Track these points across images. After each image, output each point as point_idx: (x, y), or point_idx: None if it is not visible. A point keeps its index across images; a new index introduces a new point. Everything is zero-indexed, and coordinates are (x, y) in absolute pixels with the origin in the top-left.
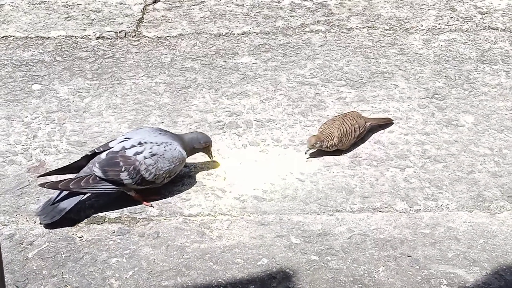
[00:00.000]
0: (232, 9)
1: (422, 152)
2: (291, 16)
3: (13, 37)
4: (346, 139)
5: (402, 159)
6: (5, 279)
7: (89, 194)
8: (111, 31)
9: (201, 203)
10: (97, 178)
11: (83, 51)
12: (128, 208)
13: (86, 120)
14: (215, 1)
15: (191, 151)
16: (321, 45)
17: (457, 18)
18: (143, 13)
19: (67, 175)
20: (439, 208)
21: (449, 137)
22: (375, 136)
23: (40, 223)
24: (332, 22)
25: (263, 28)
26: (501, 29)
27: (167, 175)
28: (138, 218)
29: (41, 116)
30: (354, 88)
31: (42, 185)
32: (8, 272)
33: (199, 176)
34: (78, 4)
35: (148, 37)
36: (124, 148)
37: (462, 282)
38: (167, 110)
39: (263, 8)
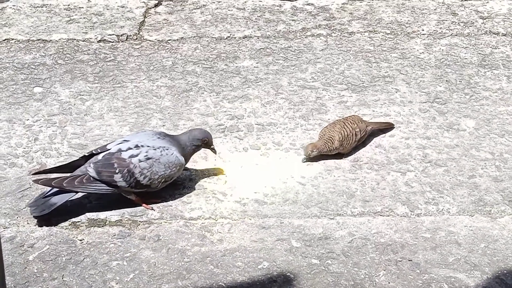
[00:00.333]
0: (234, 13)
1: (423, 156)
2: (293, 20)
3: (15, 40)
4: (347, 142)
5: (403, 163)
6: (6, 282)
7: (82, 194)
8: (113, 34)
9: (202, 206)
10: (91, 178)
11: (84, 54)
12: (129, 211)
13: (87, 123)
14: (216, 5)
15: (192, 151)
16: (322, 49)
17: (458, 23)
18: (145, 17)
19: (63, 174)
20: (440, 212)
21: (450, 141)
22: (376, 140)
23: (30, 214)
24: (334, 26)
25: (265, 32)
26: (502, 33)
27: (163, 180)
28: (139, 221)
29: (43, 119)
30: (355, 92)
31: (36, 181)
32: (9, 274)
33: (200, 179)
34: (79, 8)
35: (150, 40)
36: (120, 150)
37: (463, 287)
38: (168, 113)
39: (264, 12)
